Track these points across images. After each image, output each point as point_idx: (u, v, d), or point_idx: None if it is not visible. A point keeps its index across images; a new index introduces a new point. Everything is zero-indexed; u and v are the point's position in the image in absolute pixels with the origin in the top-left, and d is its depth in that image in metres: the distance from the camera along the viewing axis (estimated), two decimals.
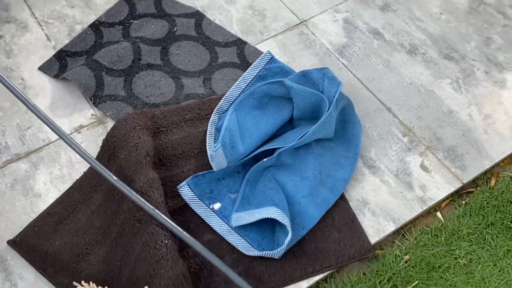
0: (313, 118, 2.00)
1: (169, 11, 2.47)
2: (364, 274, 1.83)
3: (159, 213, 1.68)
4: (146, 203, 1.71)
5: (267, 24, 2.45)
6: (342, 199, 1.94)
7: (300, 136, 1.89)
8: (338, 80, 2.02)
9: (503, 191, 2.01)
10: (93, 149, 1.99)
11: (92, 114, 2.11)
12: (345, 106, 2.08)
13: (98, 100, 2.14)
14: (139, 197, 1.71)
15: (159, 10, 2.47)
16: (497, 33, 2.45)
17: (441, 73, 2.31)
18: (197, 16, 2.46)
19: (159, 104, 2.17)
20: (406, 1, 2.55)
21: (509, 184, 2.03)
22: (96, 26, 2.38)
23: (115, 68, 2.22)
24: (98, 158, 1.97)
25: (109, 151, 1.93)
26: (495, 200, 1.99)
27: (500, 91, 2.27)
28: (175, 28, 2.41)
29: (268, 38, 2.40)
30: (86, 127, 2.08)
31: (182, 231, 1.67)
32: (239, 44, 2.38)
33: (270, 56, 2.24)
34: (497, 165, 2.09)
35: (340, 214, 1.91)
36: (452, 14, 2.51)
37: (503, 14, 2.53)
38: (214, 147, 1.83)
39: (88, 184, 1.93)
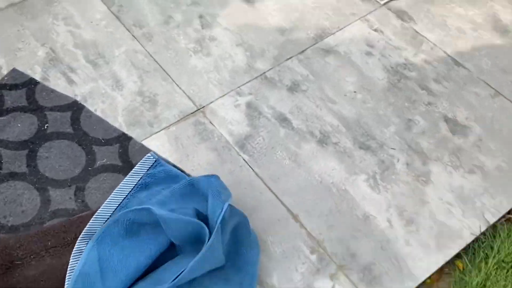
0: (197, 243, 1.64)
1: (42, 103, 2.11)
2: None
3: None
4: None
5: (158, 113, 2.11)
6: None
7: (176, 277, 1.52)
8: (225, 195, 1.67)
9: None
10: None
11: None
12: (238, 223, 1.73)
13: None
14: None
15: (31, 101, 2.11)
16: (419, 113, 2.15)
17: (356, 166, 1.99)
18: (75, 108, 2.10)
19: (18, 226, 1.79)
20: (317, 79, 2.23)
21: None
22: None
23: None
24: None
25: None
26: None
27: (423, 187, 1.95)
28: (46, 125, 2.04)
29: (159, 131, 2.06)
30: None
31: None
32: (123, 140, 2.03)
33: (154, 159, 1.89)
34: (422, 283, 1.77)
35: None
36: (370, 92, 2.21)
37: (426, 89, 2.23)
38: None
39: None
